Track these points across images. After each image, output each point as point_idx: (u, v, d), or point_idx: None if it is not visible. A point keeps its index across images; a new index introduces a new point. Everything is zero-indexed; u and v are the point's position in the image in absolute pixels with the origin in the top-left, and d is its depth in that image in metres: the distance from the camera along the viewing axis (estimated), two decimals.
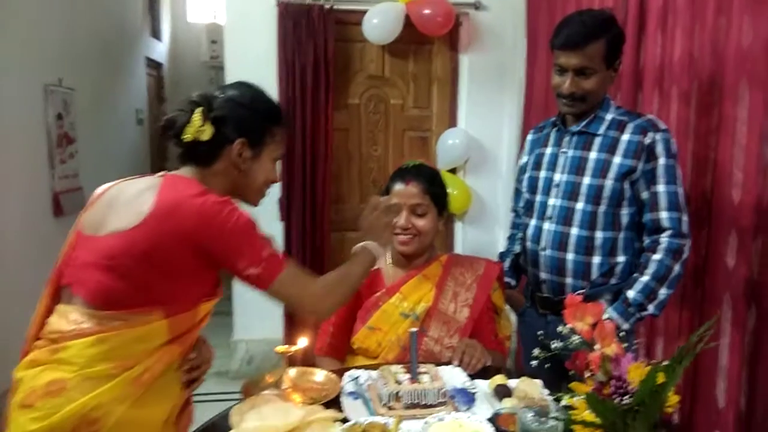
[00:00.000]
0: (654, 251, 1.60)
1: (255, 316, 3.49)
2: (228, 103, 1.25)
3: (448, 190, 3.45)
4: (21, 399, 1.09)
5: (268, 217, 3.41)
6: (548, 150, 1.77)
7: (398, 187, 1.66)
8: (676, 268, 1.58)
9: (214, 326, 4.69)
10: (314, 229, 3.38)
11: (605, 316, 1.57)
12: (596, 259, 1.65)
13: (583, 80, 1.60)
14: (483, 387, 1.36)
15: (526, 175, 1.84)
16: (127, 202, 1.18)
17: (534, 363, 1.08)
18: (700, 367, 1.87)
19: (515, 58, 3.36)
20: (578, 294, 1.07)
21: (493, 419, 1.15)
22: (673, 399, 0.90)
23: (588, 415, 0.89)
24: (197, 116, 1.21)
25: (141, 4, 5.19)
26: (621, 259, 1.66)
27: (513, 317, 1.95)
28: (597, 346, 0.93)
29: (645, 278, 1.59)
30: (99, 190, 1.30)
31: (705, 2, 1.85)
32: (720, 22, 1.80)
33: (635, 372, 0.90)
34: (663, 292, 1.58)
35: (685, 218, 1.60)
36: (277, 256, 1.22)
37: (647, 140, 1.59)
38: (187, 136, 1.21)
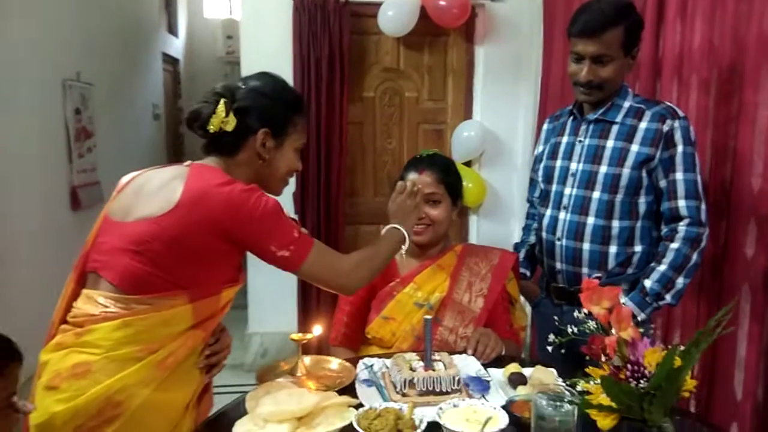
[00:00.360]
0: (672, 240, 1.58)
1: (269, 309, 3.51)
2: (251, 93, 1.27)
3: (464, 183, 3.45)
4: (46, 381, 1.12)
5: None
6: (564, 139, 1.74)
7: (412, 176, 1.65)
8: (694, 257, 1.56)
9: (229, 320, 4.73)
10: (329, 222, 3.39)
11: (628, 304, 1.56)
12: (613, 249, 1.63)
13: (600, 68, 1.57)
14: (497, 375, 1.35)
15: (542, 165, 1.82)
16: (155, 189, 1.20)
17: (550, 348, 1.07)
18: (718, 359, 1.85)
19: (531, 49, 3.33)
20: (594, 279, 1.04)
21: (507, 406, 1.14)
22: (689, 383, 0.89)
23: (604, 399, 0.88)
24: (221, 107, 1.22)
25: (157, 1, 5.22)
26: (638, 248, 1.64)
27: (528, 308, 1.94)
28: (613, 331, 0.92)
29: (662, 267, 1.57)
30: (125, 178, 1.32)
31: None
32: (741, 8, 1.77)
33: (652, 356, 0.88)
34: (680, 281, 1.56)
35: (703, 207, 1.58)
36: (305, 237, 1.25)
37: (666, 128, 1.56)
38: (212, 127, 1.23)
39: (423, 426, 1.05)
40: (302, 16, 3.18)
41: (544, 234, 1.76)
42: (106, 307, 1.14)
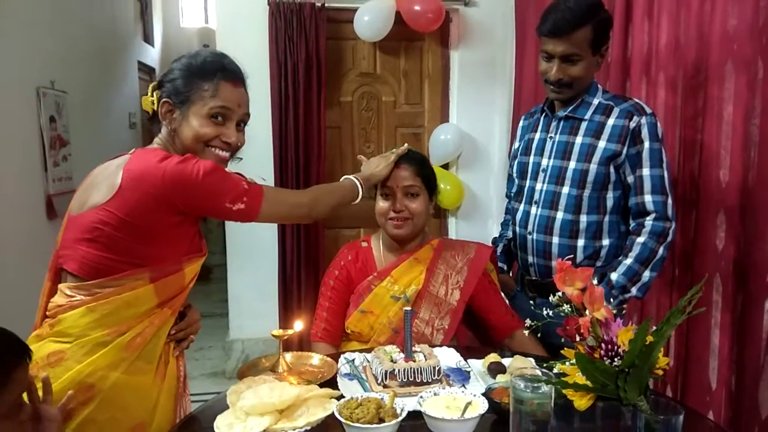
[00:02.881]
0: (638, 234, 1.61)
1: (250, 315, 3.49)
2: (167, 70, 1.33)
3: (442, 185, 3.47)
4: None
5: None
6: (537, 135, 1.79)
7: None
8: (660, 250, 1.59)
9: (209, 327, 4.67)
10: (308, 226, 3.39)
11: None
12: (581, 242, 1.67)
13: (569, 67, 1.61)
14: (477, 366, 1.37)
15: (516, 161, 1.86)
16: (102, 179, 1.24)
17: (526, 333, 1.09)
18: (693, 348, 1.89)
19: (505, 53, 3.39)
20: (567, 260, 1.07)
21: (487, 393, 1.16)
22: (662, 361, 0.92)
23: (579, 378, 0.90)
24: (149, 89, 1.31)
25: (133, 9, 5.19)
26: (606, 242, 1.68)
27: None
28: (587, 312, 0.95)
29: (628, 261, 1.60)
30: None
31: None
32: (705, 7, 1.83)
33: (625, 335, 0.91)
34: (647, 274, 1.60)
35: (670, 202, 1.61)
36: (254, 185, 1.30)
37: (632, 124, 1.60)
38: (147, 109, 1.31)
39: (404, 414, 1.06)
40: (278, 22, 3.20)
41: (517, 228, 1.80)
42: (72, 296, 1.19)
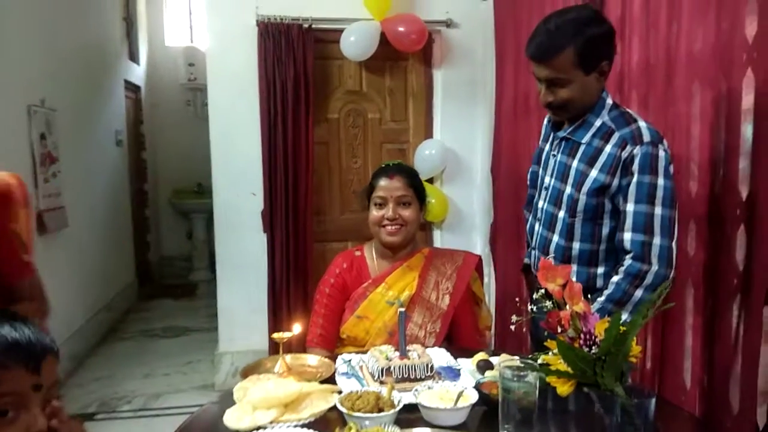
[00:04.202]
0: (616, 272, 1.50)
1: (240, 328, 3.54)
2: None
3: (427, 199, 3.57)
4: None
5: (251, 229, 3.50)
6: (546, 147, 1.75)
7: (383, 182, 1.77)
8: (637, 293, 1.46)
9: (198, 342, 4.71)
10: (297, 240, 3.46)
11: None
12: (574, 268, 1.59)
13: (558, 89, 1.52)
14: (466, 364, 1.46)
15: (531, 169, 1.84)
16: None
17: (513, 327, 1.18)
18: (668, 350, 2.00)
19: (485, 72, 3.52)
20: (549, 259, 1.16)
21: (477, 386, 1.24)
22: (635, 349, 1.01)
23: (561, 366, 0.99)
24: None
25: (119, 29, 5.27)
26: (601, 270, 1.59)
27: (493, 309, 2.06)
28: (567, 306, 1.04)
29: (601, 298, 1.49)
30: None
31: (658, 12, 2.02)
32: (672, 30, 1.96)
33: (601, 327, 1.01)
34: (624, 317, 1.43)
35: (657, 242, 1.46)
36: None
37: (624, 154, 1.48)
38: None
39: (401, 404, 1.14)
40: (267, 42, 3.30)
41: (528, 237, 1.81)
42: None
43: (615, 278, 1.49)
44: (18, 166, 3.18)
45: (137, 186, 5.80)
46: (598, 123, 1.55)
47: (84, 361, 3.97)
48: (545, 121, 1.83)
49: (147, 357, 4.11)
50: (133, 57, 5.64)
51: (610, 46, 1.55)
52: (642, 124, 1.54)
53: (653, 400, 0.95)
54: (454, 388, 1.22)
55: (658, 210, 1.47)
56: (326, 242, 3.64)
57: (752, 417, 1.74)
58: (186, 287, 5.84)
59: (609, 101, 1.60)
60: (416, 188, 1.79)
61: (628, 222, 1.47)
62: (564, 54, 1.47)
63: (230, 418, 1.13)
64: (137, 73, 5.79)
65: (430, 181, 3.66)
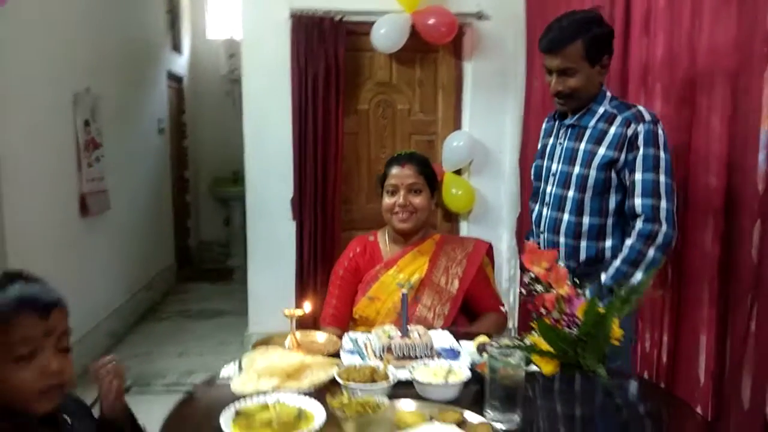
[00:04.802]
0: (629, 236, 1.68)
1: (268, 312, 3.65)
2: None
3: (453, 191, 3.61)
4: None
5: (280, 215, 3.60)
6: (550, 141, 1.91)
7: (395, 170, 1.83)
8: (651, 252, 1.64)
9: (230, 324, 4.87)
10: (325, 227, 3.55)
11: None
12: (583, 243, 1.77)
13: (567, 79, 1.73)
14: (468, 346, 1.50)
15: (534, 164, 1.98)
16: None
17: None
18: (682, 344, 1.99)
19: (516, 64, 3.52)
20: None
21: (472, 367, 1.29)
22: (616, 332, 1.04)
23: (545, 346, 1.03)
24: None
25: (163, 21, 5.45)
26: (608, 243, 1.76)
27: (503, 293, 2.10)
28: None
29: (616, 262, 1.67)
30: None
31: (681, 6, 2.00)
32: (695, 23, 1.95)
33: (584, 310, 1.04)
34: (636, 276, 1.63)
35: (663, 205, 1.66)
36: None
37: (630, 132, 1.69)
38: None
39: (395, 378, 1.20)
40: (300, 34, 3.38)
41: (533, 227, 1.93)
42: None
43: (629, 241, 1.66)
44: (62, 150, 3.37)
45: (178, 173, 6.01)
46: (601, 110, 1.76)
47: (123, 338, 4.16)
48: (545, 124, 2.01)
49: (182, 337, 4.28)
50: (177, 48, 5.83)
51: (610, 44, 1.77)
52: (641, 107, 1.76)
53: (634, 382, 0.98)
54: (449, 365, 1.27)
55: (662, 178, 1.67)
56: (353, 230, 3.70)
57: (762, 411, 1.73)
58: (223, 272, 6.02)
59: (608, 93, 1.82)
60: (427, 176, 1.84)
61: (638, 189, 1.67)
62: (574, 45, 1.69)
63: (236, 383, 1.21)
64: (180, 64, 5.98)
65: (458, 172, 3.69)
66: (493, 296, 1.85)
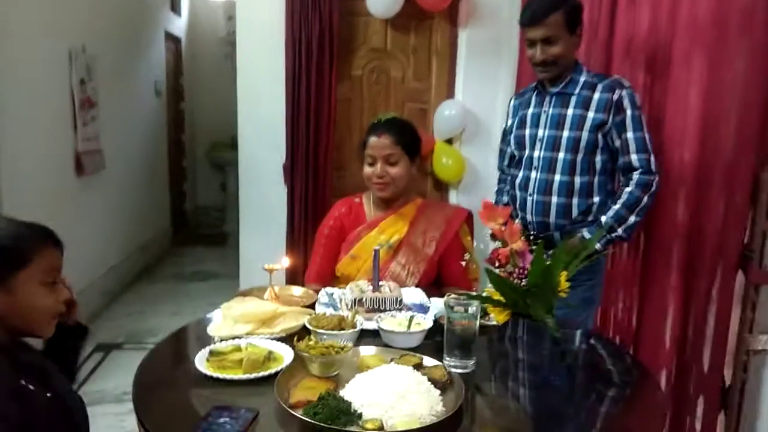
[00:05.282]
0: (627, 185, 1.85)
1: (259, 273, 3.71)
2: None
3: (444, 160, 3.64)
4: None
5: (272, 180, 3.65)
6: (530, 110, 2.01)
7: (372, 140, 1.88)
8: (645, 199, 1.83)
9: (222, 287, 4.94)
10: (316, 193, 3.59)
11: (585, 236, 1.83)
12: (575, 200, 1.91)
13: (550, 47, 1.85)
14: (438, 302, 1.57)
15: (513, 134, 2.07)
16: None
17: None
18: (648, 310, 2.07)
19: (510, 33, 3.51)
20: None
21: (437, 318, 1.36)
22: (563, 284, 1.11)
23: (497, 295, 1.10)
24: None
25: None
26: (596, 199, 1.92)
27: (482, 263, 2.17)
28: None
29: (616, 206, 1.84)
30: None
31: None
32: None
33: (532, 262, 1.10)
34: (632, 218, 1.83)
35: (652, 159, 1.84)
36: None
37: (615, 96, 1.84)
38: None
39: (361, 326, 1.28)
40: None
41: (518, 192, 2.02)
42: None
43: (627, 189, 1.84)
44: (58, 108, 3.40)
45: (175, 136, 6.03)
46: (582, 79, 1.92)
47: (117, 297, 4.26)
48: (513, 102, 2.16)
49: (176, 297, 4.38)
50: (175, 9, 5.79)
51: (581, 15, 1.90)
52: (616, 75, 1.97)
53: (579, 331, 1.05)
54: (414, 315, 1.35)
55: (647, 135, 1.85)
56: (345, 197, 3.76)
57: (720, 374, 1.82)
58: (218, 236, 6.08)
59: (583, 66, 1.97)
60: (404, 144, 1.88)
61: (632, 146, 1.84)
62: (556, 14, 1.82)
63: (213, 327, 1.29)
64: (178, 25, 5.95)
65: (449, 141, 3.72)
66: (462, 273, 1.87)
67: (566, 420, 1.08)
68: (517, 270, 1.10)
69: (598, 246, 1.79)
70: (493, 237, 1.20)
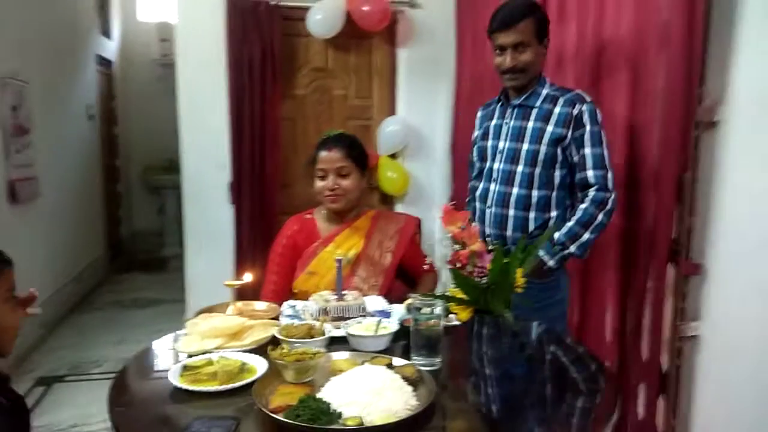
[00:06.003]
0: (582, 202, 1.85)
1: (207, 297, 3.65)
2: None
3: (389, 174, 3.73)
4: None
5: (217, 200, 3.63)
6: (493, 122, 2.02)
7: (323, 154, 1.93)
8: (600, 216, 1.83)
9: (167, 312, 4.82)
10: (263, 212, 3.61)
11: (540, 253, 1.80)
12: (532, 215, 1.90)
13: (521, 54, 1.85)
14: (399, 308, 1.63)
15: (477, 146, 2.09)
16: None
17: None
18: (591, 306, 2.21)
19: (446, 52, 3.67)
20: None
21: (401, 321, 1.42)
22: (519, 280, 1.19)
23: (460, 293, 1.17)
24: None
25: (92, 3, 5.30)
26: (554, 213, 1.91)
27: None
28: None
29: (570, 223, 1.84)
30: None
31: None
32: (602, 15, 2.14)
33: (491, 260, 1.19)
34: (586, 236, 1.83)
35: (609, 175, 1.85)
36: None
37: (575, 111, 1.84)
38: None
39: (330, 333, 1.32)
40: (235, 19, 3.41)
41: (477, 203, 2.03)
42: None
43: (582, 205, 1.83)
44: None
45: (109, 161, 5.86)
46: (544, 92, 1.92)
47: (53, 330, 4.07)
48: (479, 113, 2.14)
49: (117, 326, 4.23)
50: (106, 32, 5.67)
51: (548, 29, 1.91)
52: (578, 90, 1.95)
53: (535, 324, 1.13)
54: (380, 320, 1.40)
55: (605, 151, 1.85)
56: (292, 214, 3.77)
57: (658, 362, 1.96)
58: (157, 261, 5.93)
59: (547, 79, 1.98)
60: (354, 158, 1.94)
61: (589, 162, 1.83)
62: (528, 21, 1.84)
63: (181, 344, 1.29)
64: (110, 48, 5.82)
65: (393, 156, 3.82)
66: (423, 261, 1.99)
67: (528, 408, 1.16)
68: (476, 269, 1.17)
69: (552, 263, 1.83)
70: (454, 240, 1.27)
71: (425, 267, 1.99)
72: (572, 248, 1.83)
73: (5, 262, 1.21)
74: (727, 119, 1.74)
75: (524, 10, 1.84)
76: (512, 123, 1.94)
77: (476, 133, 2.13)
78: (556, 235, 1.84)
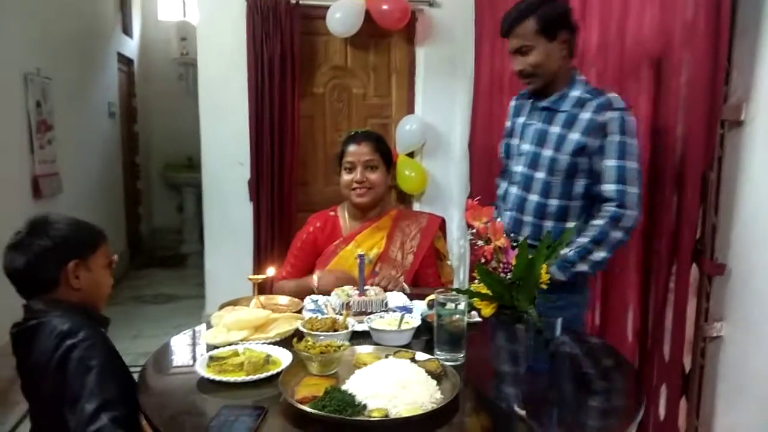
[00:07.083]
0: (597, 218, 1.73)
1: (226, 292, 3.68)
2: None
3: (406, 173, 3.74)
4: None
5: (238, 198, 3.67)
6: (521, 120, 1.93)
7: (352, 148, 1.94)
8: (616, 234, 1.69)
9: (186, 308, 4.88)
10: (281, 209, 3.64)
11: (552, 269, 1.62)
12: (548, 224, 1.80)
13: (525, 58, 1.77)
14: (420, 304, 1.63)
15: (504, 141, 2.02)
16: None
17: None
18: (612, 305, 2.19)
19: (465, 50, 3.67)
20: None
21: (423, 317, 1.43)
22: (544, 276, 1.19)
23: (484, 289, 1.18)
24: None
25: (113, 2, 5.37)
26: (571, 224, 1.77)
27: (456, 266, 2.25)
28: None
29: (582, 239, 1.71)
30: None
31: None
32: (626, 13, 2.13)
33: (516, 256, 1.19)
34: (599, 254, 1.70)
35: (632, 190, 1.70)
36: None
37: (601, 119, 1.70)
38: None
39: (353, 327, 1.33)
40: (255, 18, 3.44)
41: (500, 203, 1.99)
42: None
43: (597, 221, 1.71)
44: (15, 131, 3.33)
45: (129, 158, 5.94)
46: (574, 95, 1.78)
47: None
48: (512, 102, 2.05)
49: (136, 321, 4.28)
50: (127, 31, 5.74)
51: (566, 20, 1.79)
52: (612, 95, 1.78)
53: (559, 320, 1.13)
54: (402, 315, 1.41)
55: (630, 164, 1.70)
56: (310, 212, 3.78)
57: (680, 363, 1.94)
58: (176, 258, 5.99)
59: (582, 77, 1.84)
60: (382, 153, 1.95)
61: (609, 175, 1.71)
62: (526, 23, 1.74)
63: (207, 335, 1.31)
64: (130, 47, 5.89)
65: (411, 155, 3.83)
66: (435, 275, 1.96)
67: (551, 404, 1.16)
68: (501, 265, 1.18)
69: (563, 278, 1.70)
70: (478, 235, 1.27)
71: (435, 283, 1.94)
72: (582, 266, 1.72)
73: (103, 236, 1.43)
74: (752, 118, 1.72)
75: (523, 12, 1.74)
76: (537, 125, 1.84)
77: (508, 123, 2.04)
78: (567, 251, 1.70)
